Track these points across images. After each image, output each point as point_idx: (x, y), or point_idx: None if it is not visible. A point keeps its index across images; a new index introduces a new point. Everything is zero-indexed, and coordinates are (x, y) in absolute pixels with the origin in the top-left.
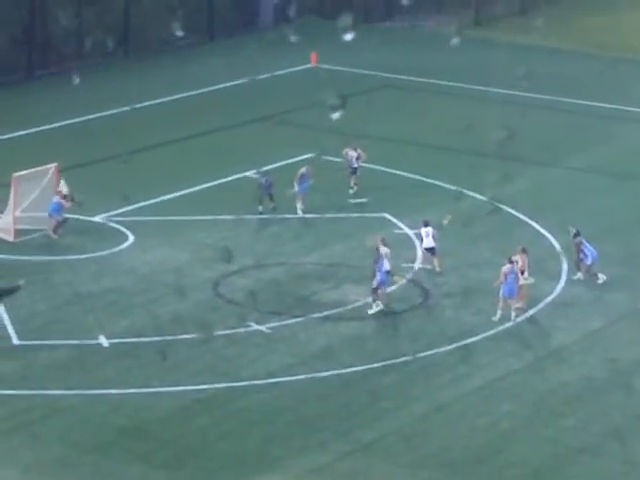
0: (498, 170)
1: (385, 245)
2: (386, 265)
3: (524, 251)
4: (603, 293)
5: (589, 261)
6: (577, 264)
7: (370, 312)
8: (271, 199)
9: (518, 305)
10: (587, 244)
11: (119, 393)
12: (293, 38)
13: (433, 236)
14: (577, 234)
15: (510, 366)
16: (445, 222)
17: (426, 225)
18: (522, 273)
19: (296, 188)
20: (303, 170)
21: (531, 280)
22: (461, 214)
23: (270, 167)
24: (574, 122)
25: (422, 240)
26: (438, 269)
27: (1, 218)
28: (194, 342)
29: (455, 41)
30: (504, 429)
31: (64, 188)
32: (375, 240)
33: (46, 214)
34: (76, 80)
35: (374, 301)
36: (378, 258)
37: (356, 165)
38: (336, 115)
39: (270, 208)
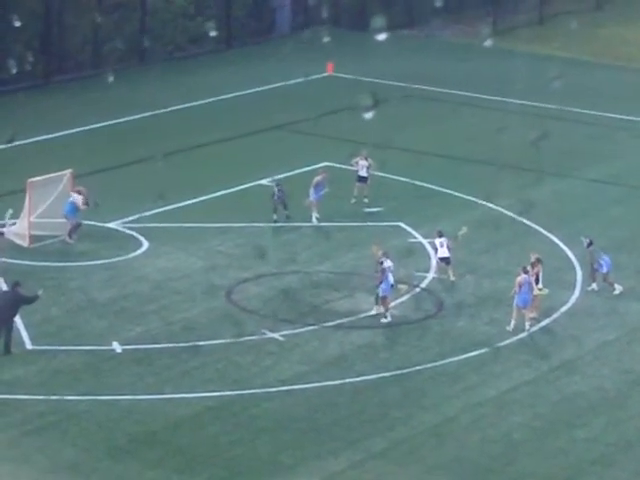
0: (516, 180)
1: (388, 258)
2: (390, 279)
3: (539, 261)
4: (618, 304)
5: (604, 270)
6: (592, 275)
7: (383, 321)
8: (285, 207)
9: (532, 315)
10: (601, 253)
11: (132, 399)
12: (310, 46)
13: (447, 246)
14: (590, 244)
15: (523, 376)
16: (460, 234)
17: (440, 235)
18: (536, 283)
19: (312, 196)
20: (319, 178)
21: (546, 291)
22: (476, 224)
23: (286, 175)
24: (591, 133)
25: (436, 250)
26: (452, 278)
27: (16, 224)
28: (207, 349)
29: (488, 42)
30: (516, 440)
31: (84, 194)
32: (380, 250)
33: (61, 220)
34: (110, 78)
35: (386, 310)
36: (382, 269)
37: (366, 174)
38: (369, 115)
39: (284, 216)
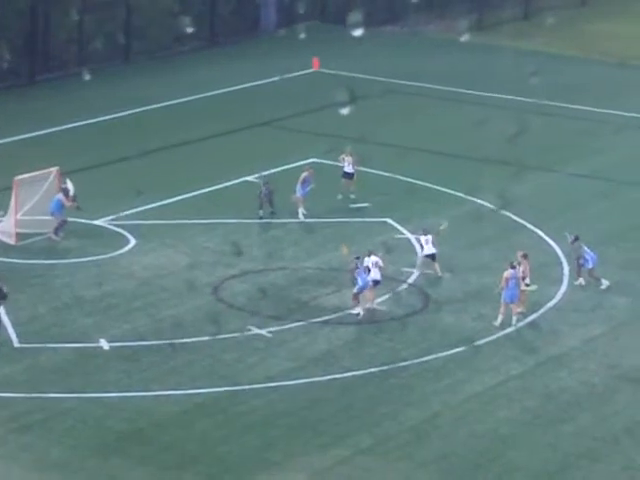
0: (502, 175)
1: (373, 255)
2: (376, 274)
3: (525, 256)
4: (604, 299)
5: (590, 265)
6: (577, 270)
7: (359, 317)
8: (271, 204)
9: (519, 310)
10: (586, 249)
11: (119, 397)
12: (295, 42)
13: (433, 242)
14: (576, 239)
15: (510, 371)
16: (441, 228)
17: (425, 233)
18: (523, 279)
19: (298, 192)
20: (306, 174)
21: (534, 287)
22: (462, 219)
23: (272, 172)
24: (576, 128)
25: (422, 248)
26: (440, 274)
27: (3, 221)
28: (194, 346)
29: (465, 37)
30: (503, 435)
31: (70, 188)
32: (348, 248)
33: (47, 218)
34: (86, 76)
35: (356, 306)
36: (358, 266)
37: (352, 170)
38: (345, 110)
39: (269, 213)
